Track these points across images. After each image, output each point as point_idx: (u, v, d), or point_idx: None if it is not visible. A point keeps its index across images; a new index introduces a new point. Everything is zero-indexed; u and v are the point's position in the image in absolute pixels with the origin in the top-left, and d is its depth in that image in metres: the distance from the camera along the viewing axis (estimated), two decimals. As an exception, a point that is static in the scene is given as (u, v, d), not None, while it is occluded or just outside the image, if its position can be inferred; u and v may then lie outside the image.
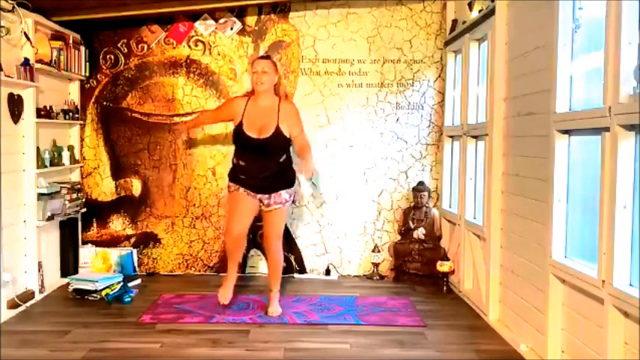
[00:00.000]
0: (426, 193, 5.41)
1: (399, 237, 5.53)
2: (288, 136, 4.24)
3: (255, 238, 5.49)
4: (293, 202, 4.57)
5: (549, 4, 3.37)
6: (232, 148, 5.48)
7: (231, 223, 4.32)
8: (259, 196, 4.26)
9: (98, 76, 5.54)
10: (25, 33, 4.41)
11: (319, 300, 4.71)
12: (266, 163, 4.23)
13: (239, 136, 4.28)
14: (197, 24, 5.52)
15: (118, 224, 5.61)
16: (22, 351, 3.61)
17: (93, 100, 5.56)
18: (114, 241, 5.60)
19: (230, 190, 4.36)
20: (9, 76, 4.17)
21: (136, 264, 5.54)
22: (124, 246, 5.59)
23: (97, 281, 4.69)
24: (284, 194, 4.25)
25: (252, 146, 4.23)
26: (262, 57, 4.51)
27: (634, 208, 2.64)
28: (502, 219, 4.15)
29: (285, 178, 4.29)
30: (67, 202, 4.93)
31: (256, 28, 5.53)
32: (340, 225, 5.63)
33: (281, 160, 4.26)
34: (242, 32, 5.53)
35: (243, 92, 5.46)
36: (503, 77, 4.14)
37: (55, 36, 4.89)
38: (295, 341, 3.82)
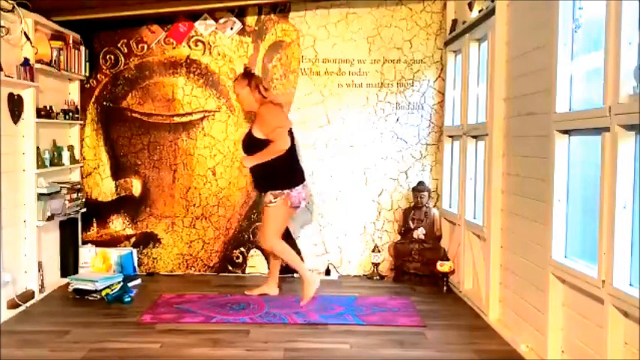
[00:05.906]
0: (426, 193, 5.40)
1: (399, 237, 5.53)
2: (262, 138, 4.51)
3: (255, 238, 5.54)
4: (296, 207, 4.67)
5: (549, 4, 3.37)
6: (232, 149, 5.55)
7: None
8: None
9: (98, 76, 5.54)
10: (25, 33, 4.41)
11: (319, 300, 4.71)
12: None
13: None
14: (197, 24, 5.52)
15: (118, 224, 5.61)
16: (22, 351, 3.61)
17: (93, 100, 5.55)
18: (114, 241, 5.60)
19: None
20: (9, 76, 4.17)
21: (136, 264, 5.54)
22: (124, 246, 5.59)
23: (97, 281, 4.69)
24: (269, 195, 4.59)
25: None
26: (235, 78, 4.88)
27: (634, 208, 2.64)
28: (502, 219, 4.15)
29: (269, 180, 4.57)
30: (67, 202, 4.93)
31: (256, 28, 5.52)
32: (340, 225, 5.63)
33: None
34: (242, 32, 5.53)
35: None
36: (503, 77, 4.14)
37: (55, 36, 4.89)
38: (295, 341, 3.82)
